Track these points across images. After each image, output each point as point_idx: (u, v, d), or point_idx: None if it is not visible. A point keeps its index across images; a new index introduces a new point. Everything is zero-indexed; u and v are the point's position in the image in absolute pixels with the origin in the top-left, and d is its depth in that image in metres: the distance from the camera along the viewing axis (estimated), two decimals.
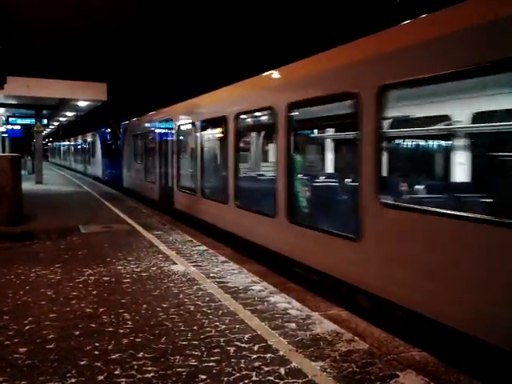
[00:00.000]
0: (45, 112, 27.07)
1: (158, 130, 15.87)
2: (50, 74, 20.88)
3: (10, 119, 27.46)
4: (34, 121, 25.89)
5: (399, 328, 4.84)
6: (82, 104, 24.64)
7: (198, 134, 11.85)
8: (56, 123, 45.96)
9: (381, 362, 3.93)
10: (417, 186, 6.55)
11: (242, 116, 9.50)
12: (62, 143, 60.51)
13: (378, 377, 3.68)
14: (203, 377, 3.68)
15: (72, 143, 48.57)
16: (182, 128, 13.57)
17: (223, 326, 4.74)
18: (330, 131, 10.04)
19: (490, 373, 3.95)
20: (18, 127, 28.21)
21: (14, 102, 23.77)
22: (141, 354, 4.08)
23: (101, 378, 3.67)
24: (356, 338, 4.47)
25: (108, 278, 6.51)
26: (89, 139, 35.60)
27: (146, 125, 17.58)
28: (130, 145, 20.63)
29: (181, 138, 13.83)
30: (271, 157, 10.60)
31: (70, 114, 32.89)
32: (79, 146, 42.26)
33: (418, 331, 4.73)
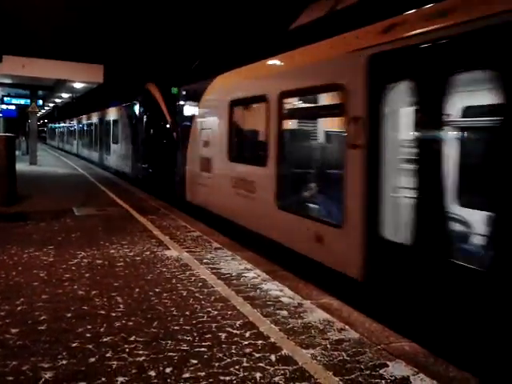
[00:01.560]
0: (40, 93, 26.86)
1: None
2: (46, 55, 20.67)
3: (5, 99, 27.24)
4: (28, 101, 25.69)
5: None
6: (78, 86, 24.41)
7: None
8: (51, 104, 45.52)
9: (371, 352, 3.97)
10: None
11: None
12: (66, 124, 47.74)
13: (368, 366, 3.71)
14: (194, 361, 3.70)
15: (81, 123, 36.89)
16: None
17: (215, 312, 4.76)
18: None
19: (479, 364, 4.00)
20: (13, 107, 28.00)
21: (9, 81, 23.55)
22: (133, 338, 4.09)
23: (92, 360, 3.68)
24: (347, 327, 4.50)
25: (101, 261, 6.51)
26: (108, 117, 25.02)
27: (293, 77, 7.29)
28: (206, 123, 10.63)
29: None
30: None
31: (65, 95, 32.58)
32: (91, 127, 31.08)
33: None
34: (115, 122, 23.02)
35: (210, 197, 10.34)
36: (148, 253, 7.08)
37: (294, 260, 6.82)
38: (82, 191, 14.15)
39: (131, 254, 6.99)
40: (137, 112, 18.62)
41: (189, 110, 12.10)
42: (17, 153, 14.49)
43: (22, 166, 19.91)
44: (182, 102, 12.68)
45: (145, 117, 17.38)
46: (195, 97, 11.40)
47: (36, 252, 6.88)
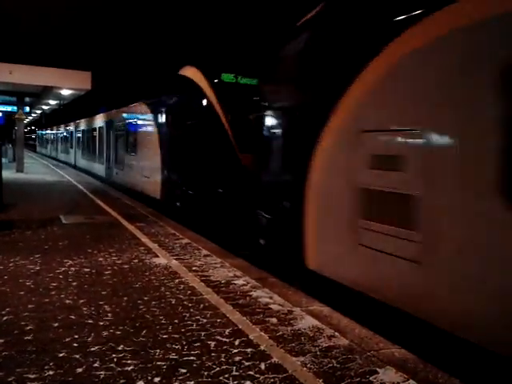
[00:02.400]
0: (27, 99, 26.69)
1: None
2: (33, 61, 20.58)
3: None
4: (15, 108, 25.51)
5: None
6: (65, 92, 24.28)
7: None
8: (39, 111, 45.18)
9: (361, 359, 3.96)
10: None
11: None
12: (61, 129, 41.36)
13: (358, 373, 3.70)
14: (183, 370, 3.66)
15: (81, 128, 30.31)
16: None
17: (204, 320, 4.73)
18: None
19: (468, 370, 4.01)
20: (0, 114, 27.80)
21: None
22: (121, 347, 4.04)
23: (79, 370, 3.62)
24: (337, 333, 4.49)
25: (89, 270, 6.44)
26: (120, 119, 19.35)
27: None
28: (385, 121, 4.94)
29: None
30: None
31: (52, 102, 32.37)
32: (95, 133, 25.01)
33: None
34: (131, 125, 17.31)
35: (409, 282, 4.53)
36: (136, 261, 7.02)
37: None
38: (70, 199, 14.02)
39: (119, 261, 6.93)
40: (167, 110, 13.09)
41: (303, 103, 6.62)
42: (3, 160, 14.32)
43: (8, 174, 19.72)
44: (276, 92, 7.50)
45: (182, 117, 11.77)
46: (332, 73, 5.89)
47: (22, 261, 6.79)
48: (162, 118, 13.51)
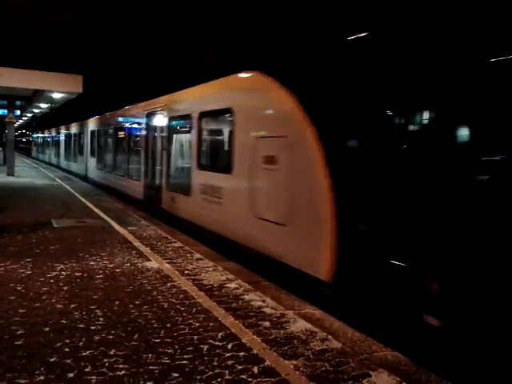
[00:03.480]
0: (18, 103, 26.52)
1: None
2: (24, 64, 20.41)
3: None
4: (5, 111, 25.33)
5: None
6: (56, 96, 24.13)
7: None
8: (29, 114, 44.83)
9: (354, 362, 3.96)
10: None
11: None
12: (65, 130, 31.16)
13: (351, 376, 3.71)
14: (176, 375, 3.65)
15: (95, 128, 21.90)
16: None
17: (197, 324, 4.71)
18: None
19: (459, 371, 4.02)
20: None
21: None
22: (112, 352, 4.02)
23: (71, 375, 3.59)
24: (330, 336, 4.49)
25: (80, 274, 6.40)
26: (175, 113, 11.61)
27: None
28: None
29: None
30: None
31: (44, 105, 32.15)
32: (119, 134, 17.51)
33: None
34: (216, 119, 9.90)
35: None
36: (128, 264, 6.98)
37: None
38: (61, 202, 13.92)
39: (111, 265, 6.88)
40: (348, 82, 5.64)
41: None
42: None
43: None
44: None
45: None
46: None
47: (13, 265, 6.73)
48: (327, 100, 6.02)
